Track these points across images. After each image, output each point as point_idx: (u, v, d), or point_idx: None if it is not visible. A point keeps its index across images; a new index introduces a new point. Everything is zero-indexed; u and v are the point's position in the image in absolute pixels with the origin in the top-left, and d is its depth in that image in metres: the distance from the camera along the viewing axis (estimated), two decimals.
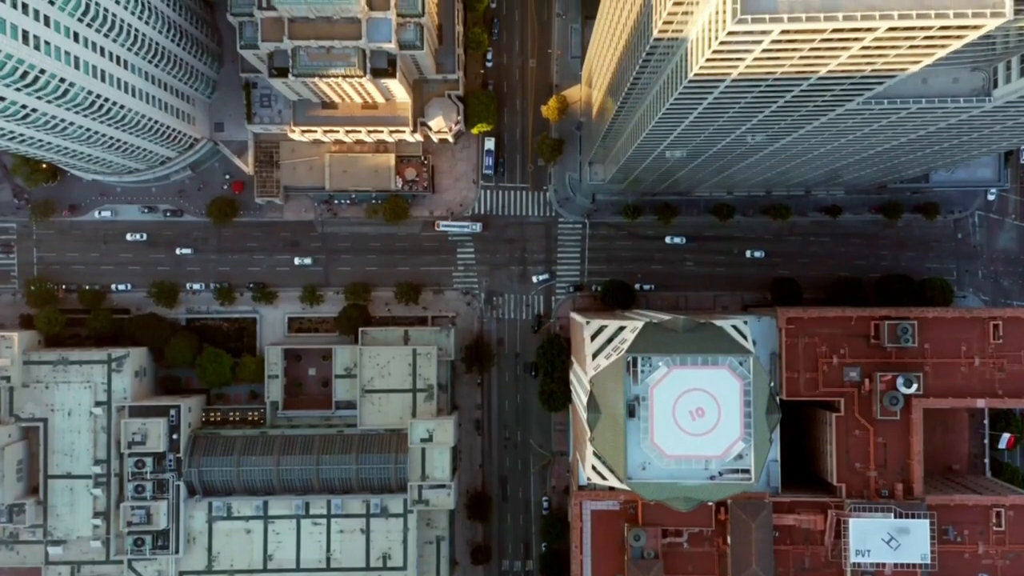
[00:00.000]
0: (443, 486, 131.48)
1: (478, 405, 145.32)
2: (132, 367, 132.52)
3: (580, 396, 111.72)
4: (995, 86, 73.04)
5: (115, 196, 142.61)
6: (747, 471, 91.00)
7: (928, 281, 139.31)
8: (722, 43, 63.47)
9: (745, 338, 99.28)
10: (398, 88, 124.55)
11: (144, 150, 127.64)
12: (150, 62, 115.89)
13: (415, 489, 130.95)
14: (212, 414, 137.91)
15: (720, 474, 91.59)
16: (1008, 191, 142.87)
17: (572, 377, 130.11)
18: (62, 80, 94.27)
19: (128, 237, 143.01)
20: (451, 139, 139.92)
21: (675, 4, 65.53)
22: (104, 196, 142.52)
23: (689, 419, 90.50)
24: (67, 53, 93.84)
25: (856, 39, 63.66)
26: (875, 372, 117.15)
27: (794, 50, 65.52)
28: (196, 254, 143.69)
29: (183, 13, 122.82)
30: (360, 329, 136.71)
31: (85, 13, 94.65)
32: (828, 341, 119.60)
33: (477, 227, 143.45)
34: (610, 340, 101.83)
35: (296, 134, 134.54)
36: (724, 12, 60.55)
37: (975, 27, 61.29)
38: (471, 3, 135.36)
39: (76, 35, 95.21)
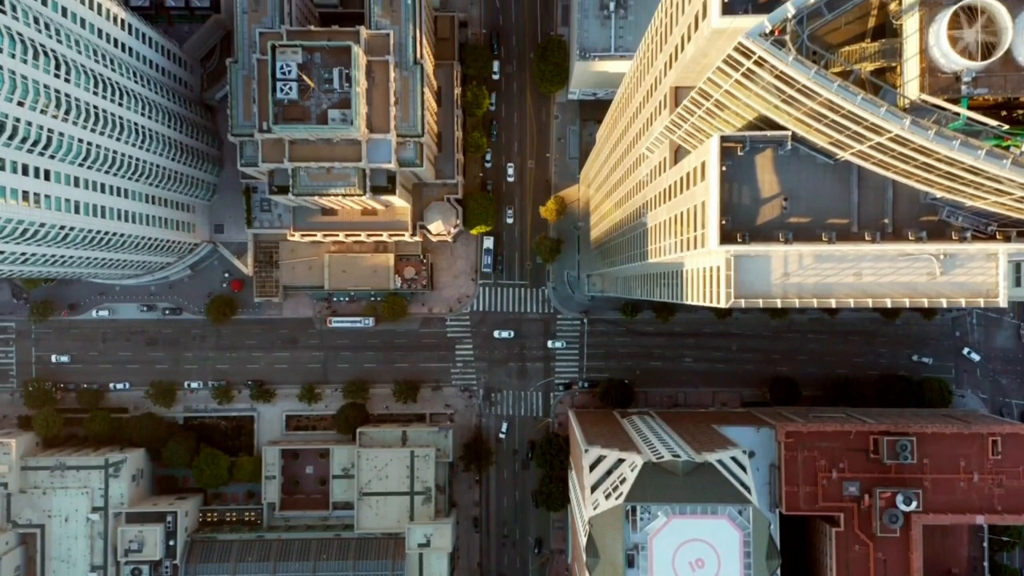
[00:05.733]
0: None
1: (476, 502, 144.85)
2: (129, 471, 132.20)
3: (580, 519, 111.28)
4: None
5: (114, 295, 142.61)
6: None
7: (927, 381, 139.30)
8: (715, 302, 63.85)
9: (745, 470, 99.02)
10: (397, 199, 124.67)
11: (144, 262, 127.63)
12: (150, 184, 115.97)
13: None
14: (209, 514, 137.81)
15: None
16: None
17: (571, 482, 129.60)
18: (62, 228, 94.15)
19: None
20: (450, 239, 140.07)
21: (670, 259, 64.71)
22: (103, 295, 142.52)
23: (689, 570, 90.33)
24: (67, 200, 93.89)
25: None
26: (874, 487, 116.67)
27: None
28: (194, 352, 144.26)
29: (183, 128, 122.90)
30: (358, 430, 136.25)
31: (87, 158, 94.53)
32: (827, 455, 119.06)
33: (369, 322, 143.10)
34: (609, 473, 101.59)
35: (296, 237, 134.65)
36: (717, 292, 60.06)
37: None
38: (471, 109, 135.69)
39: (76, 180, 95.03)
